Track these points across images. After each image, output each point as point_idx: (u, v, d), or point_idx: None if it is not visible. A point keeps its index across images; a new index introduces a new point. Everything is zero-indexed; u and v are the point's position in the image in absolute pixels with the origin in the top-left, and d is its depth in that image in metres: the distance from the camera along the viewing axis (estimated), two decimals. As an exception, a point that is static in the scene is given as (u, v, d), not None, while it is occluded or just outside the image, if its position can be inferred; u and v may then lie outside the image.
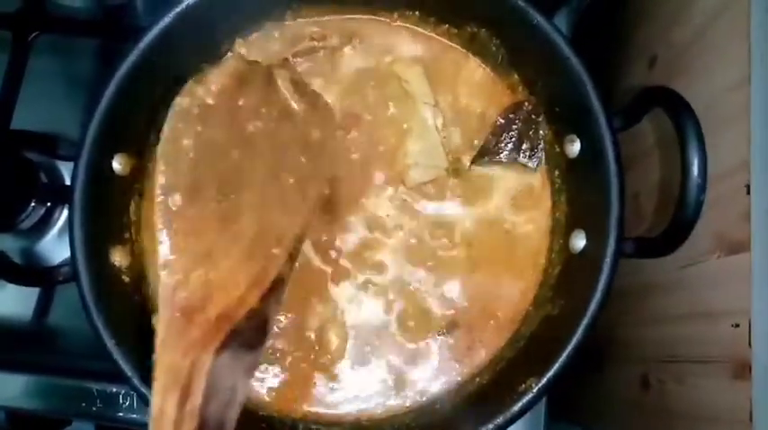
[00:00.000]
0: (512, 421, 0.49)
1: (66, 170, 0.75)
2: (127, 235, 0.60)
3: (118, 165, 0.58)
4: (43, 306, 0.73)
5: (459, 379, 0.57)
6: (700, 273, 0.61)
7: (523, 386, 0.50)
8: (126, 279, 0.58)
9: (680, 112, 0.47)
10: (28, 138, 0.56)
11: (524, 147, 0.61)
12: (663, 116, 0.55)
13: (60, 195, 0.68)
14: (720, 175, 0.53)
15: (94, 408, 0.68)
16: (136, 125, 0.60)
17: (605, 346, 0.81)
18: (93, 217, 0.55)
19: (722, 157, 0.52)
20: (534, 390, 0.50)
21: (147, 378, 0.52)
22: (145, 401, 0.52)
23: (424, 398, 0.57)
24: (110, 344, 0.52)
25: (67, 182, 0.71)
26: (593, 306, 0.50)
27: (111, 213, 0.59)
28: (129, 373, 0.52)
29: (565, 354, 0.49)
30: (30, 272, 0.53)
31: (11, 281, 0.54)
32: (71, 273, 0.54)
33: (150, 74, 0.59)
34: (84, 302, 0.53)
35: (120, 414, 0.67)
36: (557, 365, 0.49)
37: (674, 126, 0.47)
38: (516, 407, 0.49)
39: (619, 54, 0.81)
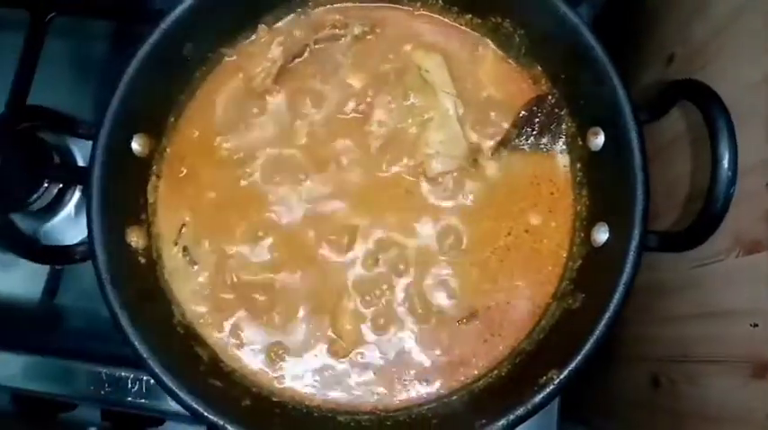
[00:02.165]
0: (533, 412, 0.49)
1: (79, 151, 0.74)
2: (143, 216, 0.59)
3: (137, 145, 0.58)
4: (52, 287, 0.73)
5: (476, 371, 0.57)
6: (716, 273, 0.60)
7: (544, 378, 0.50)
8: (142, 260, 0.57)
9: (710, 105, 0.47)
10: (47, 114, 0.55)
11: (545, 140, 0.60)
12: (683, 111, 0.55)
13: (74, 176, 0.68)
14: (739, 174, 0.52)
15: (102, 392, 0.67)
16: (155, 106, 0.60)
17: (612, 345, 0.81)
18: (111, 197, 0.55)
19: (741, 156, 0.52)
20: (555, 382, 0.49)
21: (161, 359, 0.51)
22: (158, 382, 0.51)
23: (442, 390, 0.56)
24: (125, 323, 0.51)
25: (80, 163, 0.72)
26: (616, 299, 0.50)
27: (128, 194, 0.58)
28: (145, 354, 0.51)
29: (587, 347, 0.49)
30: (47, 249, 0.52)
31: (28, 257, 0.53)
32: (88, 252, 0.53)
33: (171, 55, 0.59)
34: (101, 281, 0.52)
35: (129, 399, 0.66)
36: (579, 357, 0.49)
37: (705, 118, 0.47)
38: (537, 399, 0.49)
39: (635, 52, 0.81)
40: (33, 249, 0.51)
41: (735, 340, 0.57)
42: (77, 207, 0.74)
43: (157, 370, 0.51)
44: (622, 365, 0.81)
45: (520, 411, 0.49)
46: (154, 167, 0.61)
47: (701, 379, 0.62)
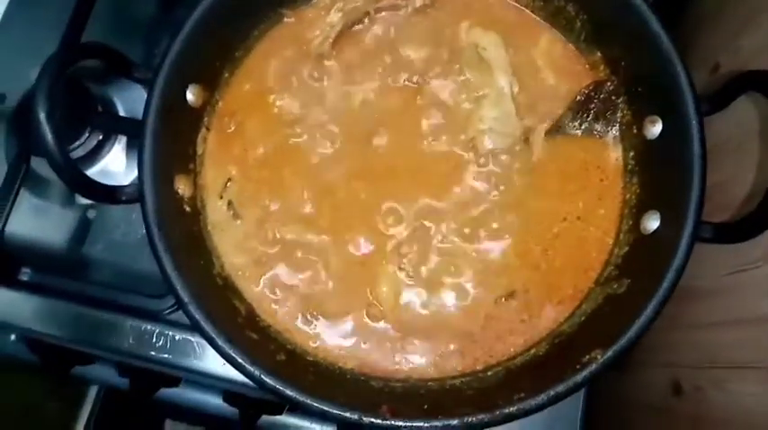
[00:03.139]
0: (573, 390, 0.48)
1: (122, 104, 0.74)
2: (191, 166, 0.59)
3: (191, 95, 0.58)
4: (80, 236, 0.72)
5: (513, 349, 0.56)
6: (750, 280, 0.60)
7: (587, 357, 0.49)
8: (187, 209, 0.57)
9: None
10: (104, 52, 0.55)
11: (599, 126, 0.60)
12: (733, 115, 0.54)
13: (117, 125, 0.68)
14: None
15: (126, 345, 0.66)
16: (212, 59, 0.60)
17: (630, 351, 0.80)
18: (162, 142, 0.55)
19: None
20: (600, 361, 0.48)
21: (201, 306, 0.51)
22: (196, 328, 0.51)
23: (478, 365, 0.56)
24: (168, 267, 0.51)
25: (122, 113, 0.72)
26: (666, 283, 0.49)
27: (178, 142, 0.58)
28: (186, 299, 0.51)
29: (635, 327, 0.48)
30: (97, 185, 0.52)
31: (78, 191, 0.53)
32: (136, 194, 0.53)
33: (232, 9, 0.58)
34: (147, 223, 0.52)
35: (153, 353, 0.66)
36: (625, 338, 0.48)
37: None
38: (579, 377, 0.48)
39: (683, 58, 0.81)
40: (84, 183, 0.51)
41: (766, 346, 0.57)
42: (115, 159, 0.74)
43: (197, 315, 0.50)
44: (640, 371, 0.80)
45: (560, 388, 0.48)
46: (205, 119, 0.61)
47: (728, 385, 0.62)
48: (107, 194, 0.52)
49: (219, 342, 0.50)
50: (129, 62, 0.56)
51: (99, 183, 0.52)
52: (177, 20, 0.56)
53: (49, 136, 0.47)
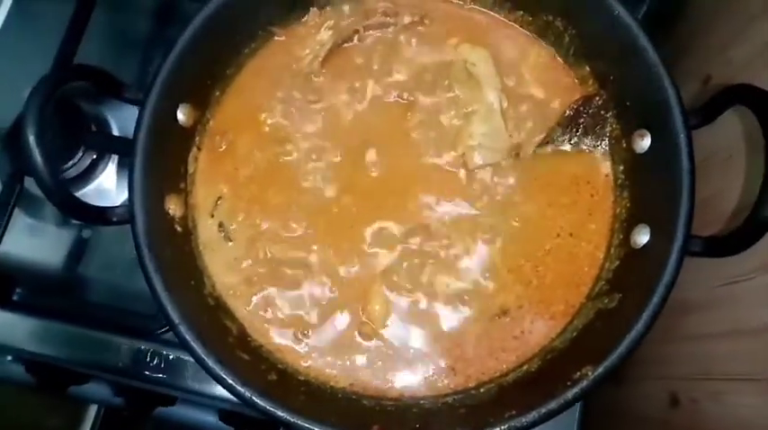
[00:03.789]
0: (564, 407, 0.48)
1: (115, 123, 0.74)
2: (182, 185, 0.59)
3: (182, 115, 0.59)
4: (76, 256, 0.72)
5: (505, 366, 0.56)
6: (743, 292, 0.60)
7: (578, 373, 0.49)
8: (178, 228, 0.57)
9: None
10: (95, 74, 0.55)
11: (589, 140, 0.60)
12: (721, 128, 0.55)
13: (110, 145, 0.68)
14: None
15: (120, 364, 0.66)
16: (203, 78, 0.61)
17: (626, 363, 0.80)
18: (153, 162, 0.55)
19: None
20: (590, 378, 0.48)
21: (192, 326, 0.51)
22: (187, 349, 0.50)
23: (470, 382, 0.55)
24: (159, 288, 0.51)
25: (116, 133, 0.72)
26: (656, 297, 0.49)
27: (170, 162, 0.58)
28: (177, 320, 0.51)
29: (626, 344, 0.48)
30: (87, 207, 0.52)
31: (68, 213, 0.53)
32: (127, 214, 0.53)
33: (223, 29, 0.59)
34: (138, 244, 0.52)
35: (147, 373, 0.66)
36: (616, 354, 0.48)
37: (760, 121, 0.47)
38: (570, 394, 0.48)
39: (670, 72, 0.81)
40: (74, 205, 0.51)
41: (763, 358, 0.56)
42: (108, 178, 0.74)
43: (188, 336, 0.50)
44: (637, 384, 0.80)
45: (552, 405, 0.48)
46: (196, 139, 0.61)
47: (724, 397, 0.62)
48: (97, 216, 0.53)
49: (210, 363, 0.50)
50: (119, 84, 0.57)
51: (89, 205, 0.52)
52: (171, 38, 0.56)
53: (38, 159, 0.47)
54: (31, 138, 0.47)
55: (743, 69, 0.65)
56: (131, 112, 0.71)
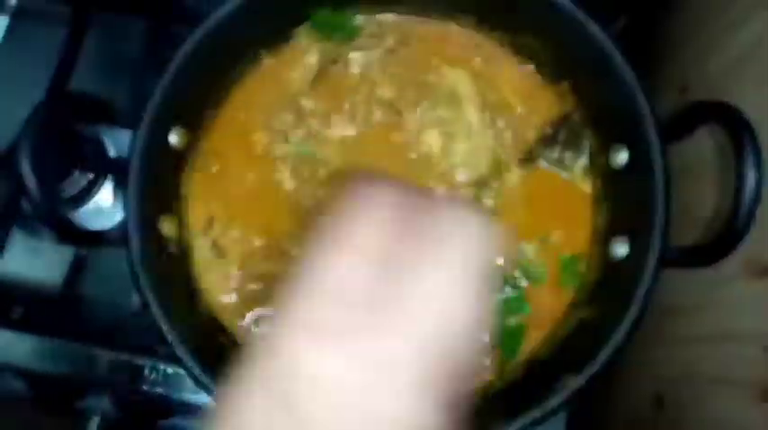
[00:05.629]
0: (548, 415, 0.49)
1: (112, 144, 0.75)
2: (176, 206, 0.61)
3: (175, 138, 0.60)
4: (74, 275, 0.74)
5: (488, 376, 0.58)
6: (726, 296, 0.61)
7: (561, 382, 0.51)
8: (172, 248, 0.59)
9: (738, 127, 0.48)
10: (88, 101, 0.57)
11: (568, 156, 0.62)
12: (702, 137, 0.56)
13: (105, 167, 0.70)
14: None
15: (119, 379, 0.68)
16: (195, 101, 0.62)
17: (614, 365, 0.81)
18: (147, 185, 0.56)
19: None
20: (572, 387, 0.50)
21: (188, 345, 0.53)
22: (183, 367, 0.52)
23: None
24: (155, 308, 0.53)
25: (112, 154, 0.73)
26: (635, 308, 0.51)
27: (163, 184, 0.60)
28: (172, 338, 0.52)
29: (604, 354, 0.50)
30: (80, 231, 0.54)
31: (62, 237, 0.54)
32: (121, 237, 0.55)
33: (213, 53, 0.60)
34: (133, 266, 0.54)
35: (145, 387, 0.67)
36: (598, 363, 0.50)
37: (732, 138, 0.49)
38: (554, 401, 0.50)
39: (647, 82, 0.83)
40: (68, 229, 0.53)
41: (744, 362, 0.58)
42: (106, 196, 0.75)
43: (184, 355, 0.52)
44: (624, 385, 0.81)
45: (536, 413, 0.50)
46: (189, 160, 0.62)
47: (708, 399, 0.63)
48: (93, 239, 0.54)
49: (205, 380, 0.51)
50: (112, 109, 0.58)
51: (84, 229, 0.54)
52: (165, 60, 0.58)
53: (33, 186, 0.49)
54: (26, 168, 0.49)
55: (719, 80, 0.67)
56: (127, 133, 0.74)
